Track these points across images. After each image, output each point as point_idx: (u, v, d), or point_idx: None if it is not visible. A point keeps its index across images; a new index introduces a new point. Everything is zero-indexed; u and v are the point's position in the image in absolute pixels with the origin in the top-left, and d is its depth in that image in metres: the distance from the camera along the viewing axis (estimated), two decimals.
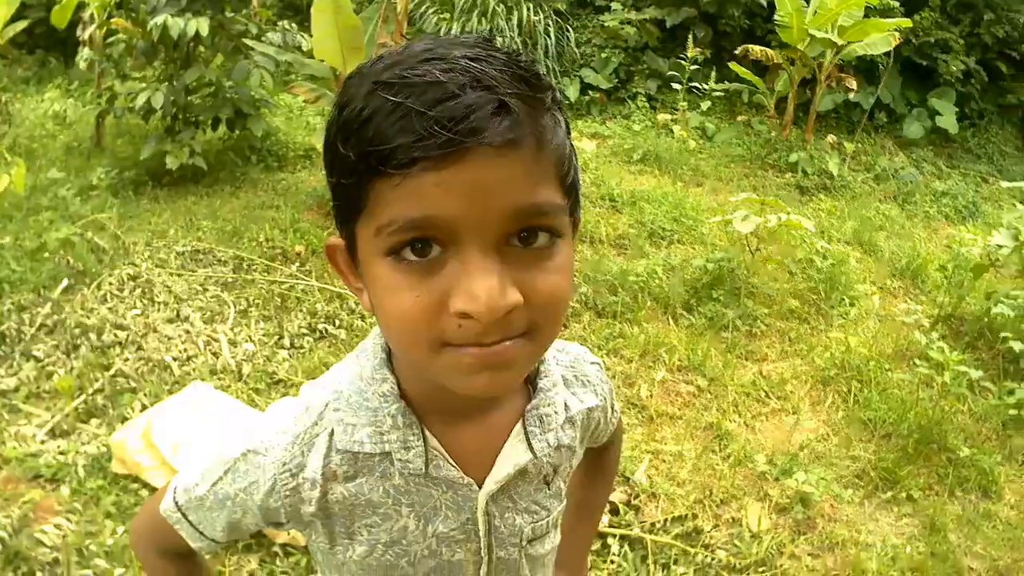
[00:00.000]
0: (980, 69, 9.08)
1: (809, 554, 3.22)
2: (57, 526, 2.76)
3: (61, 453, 3.12)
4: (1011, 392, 4.28)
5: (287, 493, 0.94)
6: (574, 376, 1.08)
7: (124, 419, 3.31)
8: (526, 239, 0.75)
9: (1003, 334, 4.60)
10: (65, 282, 4.10)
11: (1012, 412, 4.17)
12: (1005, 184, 7.39)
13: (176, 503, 1.03)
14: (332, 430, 0.93)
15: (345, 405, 0.93)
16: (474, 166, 0.70)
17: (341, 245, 0.85)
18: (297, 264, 4.64)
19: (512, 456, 0.97)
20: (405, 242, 0.73)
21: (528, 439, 0.97)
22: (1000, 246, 5.05)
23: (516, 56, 0.76)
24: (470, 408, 0.95)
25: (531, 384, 1.00)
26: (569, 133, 0.81)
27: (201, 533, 1.03)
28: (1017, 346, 4.42)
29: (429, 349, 0.77)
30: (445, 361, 0.77)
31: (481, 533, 0.98)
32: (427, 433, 0.92)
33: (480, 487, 0.96)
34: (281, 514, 0.96)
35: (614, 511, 3.19)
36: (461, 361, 0.76)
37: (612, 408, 1.17)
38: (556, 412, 1.00)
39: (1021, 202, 6.38)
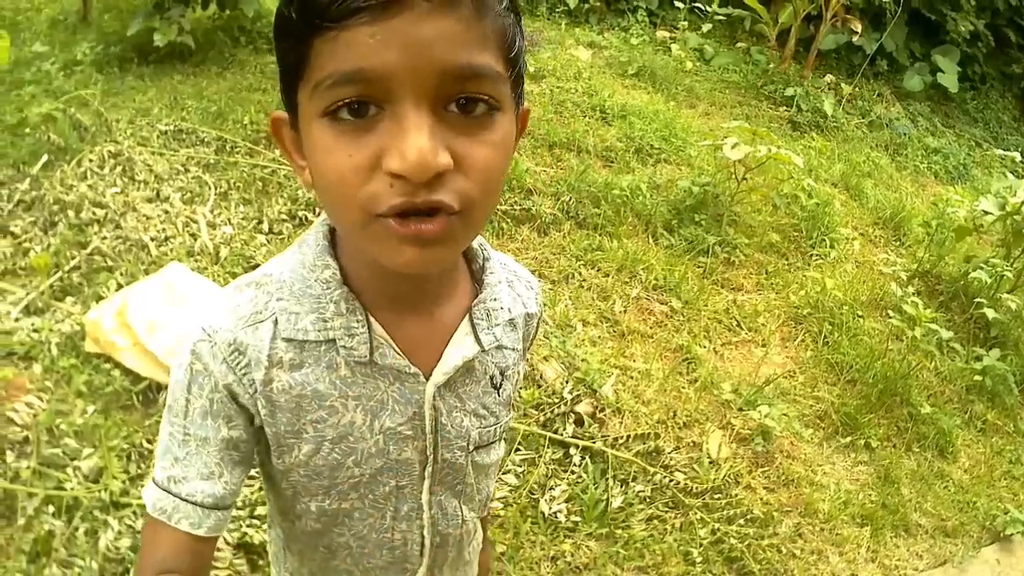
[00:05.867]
0: (988, 33, 8.89)
1: (764, 487, 3.20)
2: (28, 404, 2.69)
3: (35, 331, 3.01)
4: (978, 358, 4.27)
5: (242, 370, 0.90)
6: (517, 279, 1.08)
7: (99, 298, 3.19)
8: (463, 106, 0.73)
9: (977, 299, 4.57)
10: (45, 158, 3.92)
11: (977, 378, 4.17)
12: (998, 152, 7.34)
13: (158, 485, 0.92)
14: (276, 319, 0.90)
15: (288, 294, 0.91)
16: (410, 19, 0.68)
17: (286, 118, 0.85)
18: (281, 149, 4.44)
19: (460, 348, 0.96)
20: (341, 101, 0.72)
21: (476, 332, 0.97)
22: (986, 212, 4.98)
23: None
24: (414, 297, 0.94)
25: (477, 281, 1.01)
26: (518, 14, 0.80)
27: (201, 506, 0.91)
28: (990, 313, 4.38)
29: (361, 216, 0.75)
30: (376, 231, 0.75)
31: (427, 430, 0.97)
32: (372, 320, 0.91)
33: (427, 379, 0.95)
34: (245, 397, 0.91)
35: (579, 422, 3.13)
36: (391, 232, 0.74)
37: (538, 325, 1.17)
38: (502, 308, 1.00)
39: (1012, 172, 6.30)
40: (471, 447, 1.02)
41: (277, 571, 1.15)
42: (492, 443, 1.07)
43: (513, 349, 1.05)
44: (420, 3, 0.68)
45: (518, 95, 0.82)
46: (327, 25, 0.69)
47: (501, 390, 1.04)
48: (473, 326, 0.97)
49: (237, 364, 0.89)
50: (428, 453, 0.99)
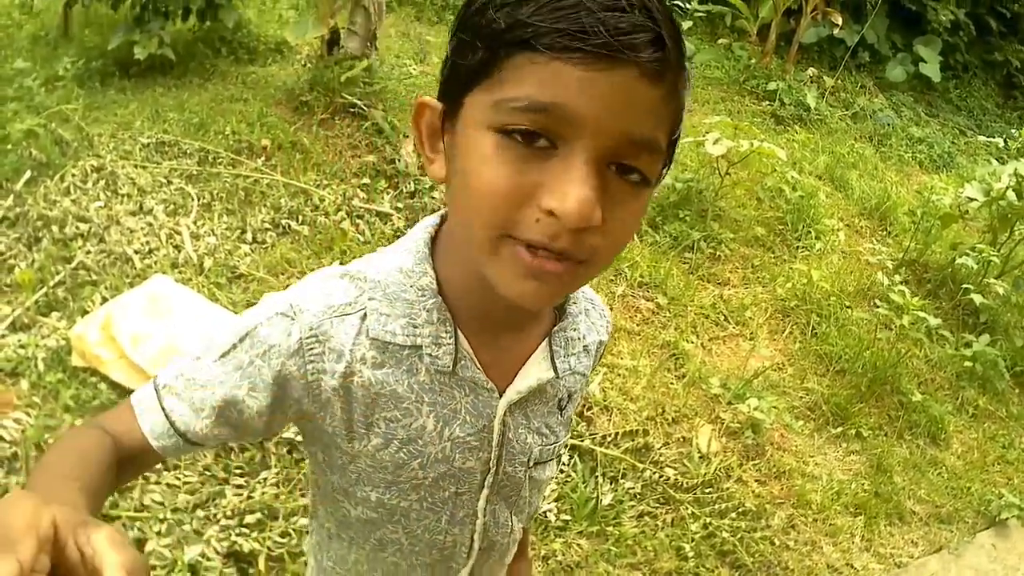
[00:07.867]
0: (969, 22, 8.92)
1: (756, 480, 3.18)
2: (16, 420, 2.67)
3: (21, 347, 2.98)
4: (968, 344, 4.27)
5: (312, 358, 0.90)
6: (592, 307, 1.10)
7: (85, 312, 3.16)
8: (623, 170, 0.75)
9: (965, 285, 4.56)
10: (28, 174, 3.88)
11: (967, 364, 4.16)
12: (982, 138, 7.34)
13: (155, 385, 0.94)
14: (365, 314, 0.91)
15: (382, 295, 0.92)
16: (620, 76, 0.70)
17: (437, 108, 0.83)
18: (263, 158, 4.41)
19: (536, 371, 0.98)
20: (520, 125, 0.72)
21: (552, 358, 0.99)
22: (971, 199, 4.99)
23: (670, 10, 0.76)
24: (504, 319, 0.95)
25: (558, 307, 1.02)
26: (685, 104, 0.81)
27: (172, 424, 0.92)
28: (978, 299, 4.38)
29: (495, 234, 0.75)
30: (504, 254, 0.76)
31: (494, 443, 1.00)
32: (459, 332, 0.93)
33: (501, 395, 0.97)
34: (298, 387, 0.92)
35: None
36: (518, 259, 0.75)
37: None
38: (579, 337, 1.03)
39: (996, 158, 6.30)
40: (531, 463, 1.05)
41: (317, 561, 1.17)
42: (549, 460, 1.10)
43: (583, 375, 1.08)
44: (632, 70, 0.70)
45: (662, 172, 0.83)
46: (539, 48, 0.70)
47: (565, 412, 1.07)
48: (551, 352, 0.99)
49: (310, 349, 0.90)
50: (491, 465, 1.01)
